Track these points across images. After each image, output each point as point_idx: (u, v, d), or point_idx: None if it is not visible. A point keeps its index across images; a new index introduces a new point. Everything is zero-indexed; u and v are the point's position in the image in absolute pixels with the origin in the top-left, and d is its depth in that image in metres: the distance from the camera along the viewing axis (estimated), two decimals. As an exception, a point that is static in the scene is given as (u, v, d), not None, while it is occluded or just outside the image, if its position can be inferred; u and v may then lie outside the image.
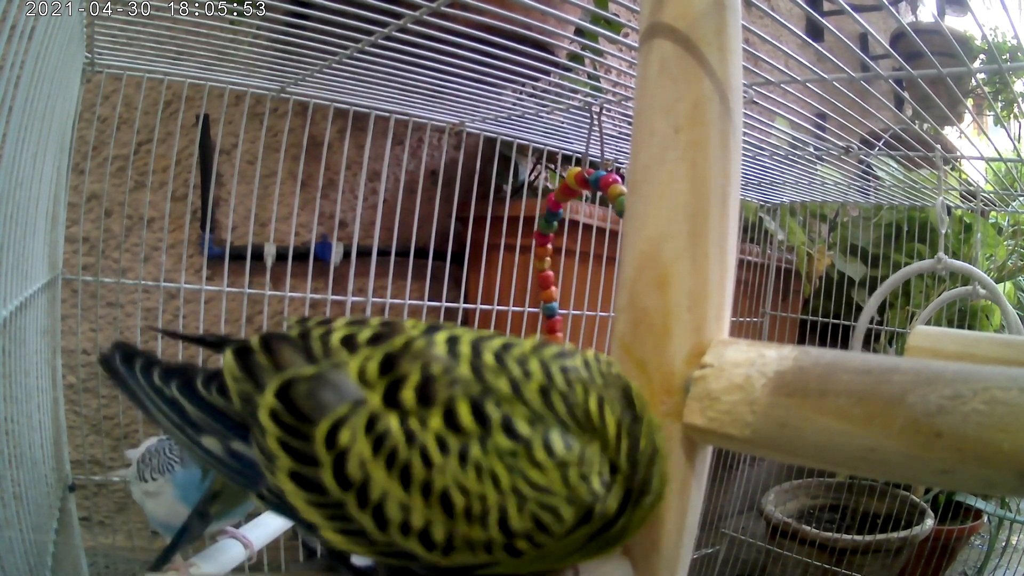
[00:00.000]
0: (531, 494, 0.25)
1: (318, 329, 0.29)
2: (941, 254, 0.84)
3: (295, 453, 0.27)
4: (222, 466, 0.28)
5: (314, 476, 0.26)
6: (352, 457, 0.26)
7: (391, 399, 0.26)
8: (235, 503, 0.37)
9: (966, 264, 0.85)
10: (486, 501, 0.25)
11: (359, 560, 0.31)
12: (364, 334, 0.28)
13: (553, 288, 0.76)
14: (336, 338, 0.28)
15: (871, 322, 1.49)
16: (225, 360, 0.29)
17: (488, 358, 0.27)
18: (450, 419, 0.26)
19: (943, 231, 0.85)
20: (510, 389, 0.26)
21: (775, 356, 0.31)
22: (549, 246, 0.76)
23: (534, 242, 0.76)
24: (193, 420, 0.28)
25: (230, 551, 0.65)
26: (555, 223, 0.74)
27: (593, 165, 0.69)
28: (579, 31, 0.82)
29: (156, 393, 0.29)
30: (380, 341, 0.28)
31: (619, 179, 0.66)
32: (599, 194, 1.12)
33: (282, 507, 0.27)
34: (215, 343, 0.32)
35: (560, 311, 1.06)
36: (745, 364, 0.32)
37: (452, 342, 0.28)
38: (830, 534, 1.28)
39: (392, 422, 0.26)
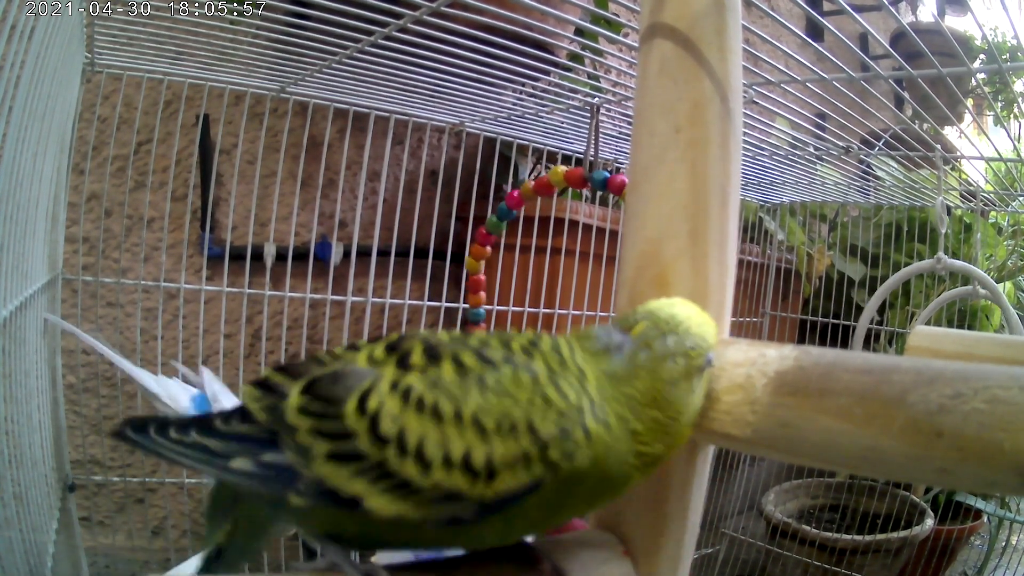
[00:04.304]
0: (545, 404, 0.28)
1: (320, 351, 0.33)
2: (941, 254, 0.84)
3: (329, 435, 0.29)
4: (255, 480, 0.30)
5: (351, 448, 0.28)
6: (384, 416, 0.28)
7: (404, 365, 0.30)
8: (239, 558, 0.36)
9: (966, 264, 0.85)
10: (512, 415, 0.28)
11: (391, 557, 0.32)
12: (362, 341, 0.32)
13: (483, 293, 0.73)
14: (339, 348, 0.32)
15: (871, 322, 1.50)
16: (244, 391, 0.32)
17: (476, 334, 0.31)
18: (459, 365, 0.29)
19: (943, 231, 0.85)
20: (500, 345, 0.30)
21: (776, 356, 0.31)
22: (489, 248, 0.72)
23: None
24: (219, 452, 0.31)
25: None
26: (504, 224, 0.71)
27: (591, 164, 0.69)
28: (579, 31, 0.82)
29: (177, 443, 0.32)
30: (378, 340, 0.32)
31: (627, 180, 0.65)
32: (599, 194, 1.12)
33: (321, 495, 0.29)
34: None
35: (560, 311, 1.06)
36: (746, 364, 0.32)
37: (440, 331, 0.33)
38: (830, 534, 1.28)
39: (413, 378, 0.29)
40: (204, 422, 0.32)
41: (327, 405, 0.29)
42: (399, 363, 0.30)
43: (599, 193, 1.11)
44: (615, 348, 0.31)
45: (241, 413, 0.31)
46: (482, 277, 0.73)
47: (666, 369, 0.30)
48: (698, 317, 0.32)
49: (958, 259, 0.85)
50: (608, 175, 0.63)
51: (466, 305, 1.06)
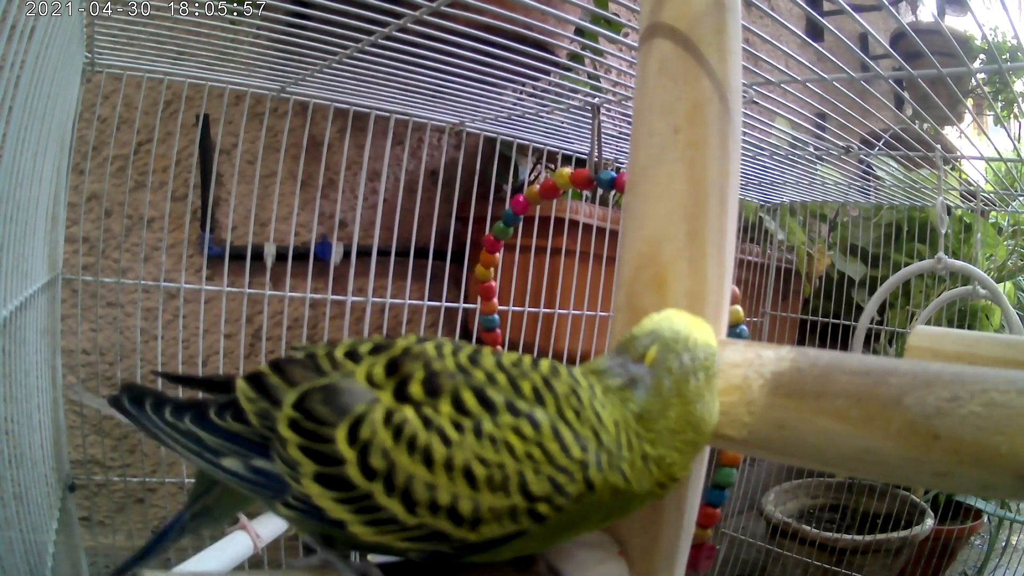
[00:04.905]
0: (544, 459, 0.27)
1: (323, 349, 0.31)
2: (941, 254, 0.84)
3: (318, 456, 0.28)
4: (245, 483, 0.30)
5: (339, 474, 0.28)
6: (374, 449, 0.27)
7: (401, 395, 0.29)
8: (223, 516, 0.36)
9: (966, 264, 0.85)
10: (505, 468, 0.27)
11: (380, 558, 0.32)
12: (365, 347, 0.31)
13: (495, 301, 0.73)
14: (340, 353, 0.31)
15: (871, 322, 1.50)
16: (239, 386, 0.31)
17: (486, 360, 0.30)
18: (458, 405, 0.28)
19: (943, 231, 0.85)
20: (508, 383, 0.29)
21: (773, 357, 0.31)
22: (498, 255, 0.71)
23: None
24: (211, 447, 0.30)
25: (238, 544, 0.66)
26: (511, 229, 0.70)
27: (597, 165, 0.68)
28: (579, 31, 0.82)
29: (171, 427, 0.31)
30: (381, 351, 0.30)
31: None
32: (599, 194, 1.12)
33: (308, 511, 0.29)
34: (220, 383, 0.33)
35: (560, 311, 1.06)
36: (743, 365, 0.32)
37: (447, 348, 0.30)
38: (830, 534, 1.28)
39: (408, 412, 0.28)
40: (200, 409, 0.31)
41: (319, 425, 0.28)
42: (397, 391, 0.29)
43: (599, 193, 1.11)
44: (638, 382, 0.30)
45: (235, 408, 0.30)
46: (493, 284, 0.72)
47: (691, 388, 0.30)
48: (696, 324, 0.32)
49: (958, 259, 0.85)
50: (615, 175, 0.63)
51: (466, 305, 1.06)
